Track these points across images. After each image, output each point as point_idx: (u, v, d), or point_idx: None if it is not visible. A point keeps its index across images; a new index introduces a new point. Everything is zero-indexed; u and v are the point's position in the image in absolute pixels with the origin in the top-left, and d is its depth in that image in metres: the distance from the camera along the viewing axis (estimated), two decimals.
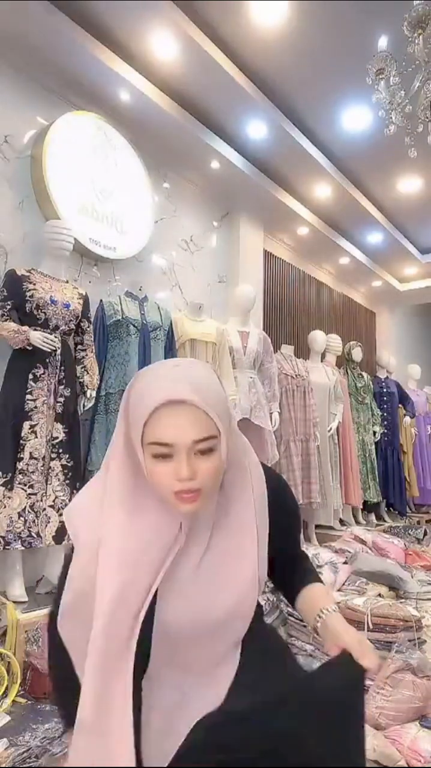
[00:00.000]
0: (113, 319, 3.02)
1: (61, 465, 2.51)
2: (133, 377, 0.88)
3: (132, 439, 0.86)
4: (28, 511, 2.36)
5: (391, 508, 5.55)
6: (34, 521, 2.37)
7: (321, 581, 1.08)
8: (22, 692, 1.97)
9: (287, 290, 5.24)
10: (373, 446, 5.29)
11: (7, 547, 2.30)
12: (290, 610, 2.55)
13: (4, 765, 1.58)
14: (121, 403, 0.89)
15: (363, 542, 3.75)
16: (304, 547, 1.20)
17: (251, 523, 0.94)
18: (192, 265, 4.05)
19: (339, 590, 2.80)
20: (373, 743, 1.79)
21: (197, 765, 0.78)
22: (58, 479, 2.49)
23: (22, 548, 2.34)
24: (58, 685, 1.01)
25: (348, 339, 5.74)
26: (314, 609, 0.98)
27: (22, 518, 2.33)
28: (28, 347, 2.48)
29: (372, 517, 5.21)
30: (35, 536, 2.36)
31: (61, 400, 2.57)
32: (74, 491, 2.58)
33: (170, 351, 3.24)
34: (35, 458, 2.41)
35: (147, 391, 0.83)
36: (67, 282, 2.77)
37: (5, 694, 1.91)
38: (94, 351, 2.84)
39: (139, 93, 3.16)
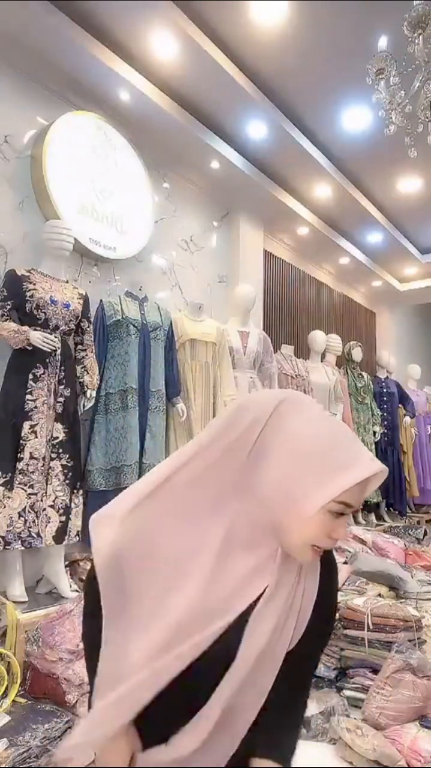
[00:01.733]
0: (113, 319, 3.02)
1: (61, 465, 2.51)
2: (280, 409, 0.82)
3: (315, 493, 0.79)
4: (28, 511, 2.36)
5: (391, 508, 5.55)
6: (34, 521, 2.36)
7: (287, 761, 0.85)
8: (22, 692, 1.97)
9: (287, 290, 5.24)
10: (373, 446, 5.29)
11: (7, 547, 2.30)
12: None
13: (4, 765, 1.58)
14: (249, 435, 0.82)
15: (363, 542, 3.75)
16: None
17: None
18: (192, 265, 4.05)
19: (339, 590, 2.80)
20: (373, 743, 1.79)
21: None
22: (58, 479, 2.49)
23: (22, 548, 2.34)
24: (91, 655, 0.88)
25: (348, 339, 5.74)
26: None
27: (22, 518, 2.33)
28: (28, 347, 2.48)
29: (372, 517, 5.21)
30: (35, 536, 2.36)
31: (61, 400, 2.57)
32: (74, 491, 2.58)
33: (170, 351, 3.24)
34: (35, 458, 2.41)
35: (353, 456, 0.80)
36: (67, 282, 2.77)
37: (5, 694, 1.91)
38: (94, 351, 2.84)
39: (139, 93, 3.16)
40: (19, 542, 2.31)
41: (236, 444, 0.82)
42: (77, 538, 2.56)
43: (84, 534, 2.63)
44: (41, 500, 2.41)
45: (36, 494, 2.39)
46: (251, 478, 0.82)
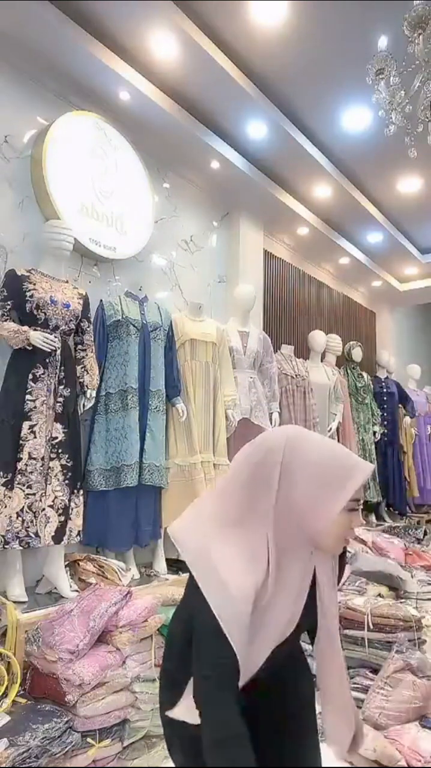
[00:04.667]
0: (113, 319, 3.02)
1: (61, 465, 2.51)
2: (289, 445, 1.12)
3: (327, 502, 1.08)
4: (26, 511, 2.36)
5: (391, 508, 5.55)
6: (32, 521, 2.36)
7: None
8: (22, 692, 1.97)
9: (287, 290, 5.23)
10: (373, 446, 5.29)
11: (5, 546, 2.29)
12: None
13: (4, 765, 1.58)
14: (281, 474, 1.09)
15: (363, 542, 3.75)
16: None
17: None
18: (192, 265, 4.05)
19: (339, 590, 2.80)
20: (373, 743, 1.79)
21: None
22: (58, 479, 2.49)
23: (20, 548, 2.34)
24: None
25: (348, 339, 5.74)
26: None
27: (20, 518, 2.33)
28: (28, 347, 2.48)
29: (372, 517, 5.21)
30: (33, 536, 2.36)
31: (61, 400, 2.57)
32: (74, 491, 2.58)
33: (170, 351, 3.23)
34: (34, 458, 2.41)
35: (352, 465, 1.10)
36: (67, 282, 2.77)
37: (5, 694, 1.91)
38: (94, 351, 2.84)
39: (139, 93, 3.16)
40: (18, 542, 2.31)
41: (264, 476, 1.10)
42: (78, 538, 2.56)
43: (84, 534, 2.63)
44: (40, 500, 2.41)
45: (34, 494, 2.39)
46: (287, 499, 1.08)
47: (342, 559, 1.29)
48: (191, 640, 1.06)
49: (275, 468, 1.09)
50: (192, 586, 1.07)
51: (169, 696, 1.16)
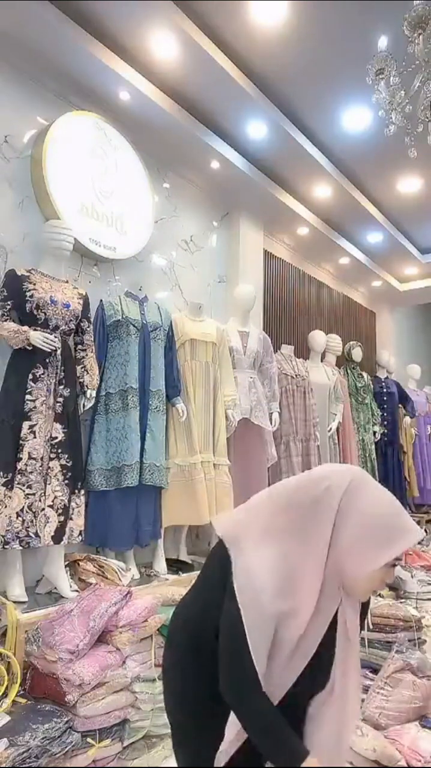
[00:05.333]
0: (113, 319, 3.02)
1: (61, 465, 2.51)
2: (350, 488, 1.15)
3: (379, 556, 1.11)
4: (26, 511, 2.35)
5: None
6: (32, 521, 2.36)
7: None
8: (22, 692, 1.97)
9: (287, 290, 5.23)
10: (373, 446, 5.29)
11: (5, 546, 2.29)
12: None
13: (4, 765, 1.58)
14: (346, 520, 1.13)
15: None
16: None
17: None
18: (192, 265, 4.05)
19: None
20: (373, 743, 1.79)
21: None
22: (58, 479, 2.49)
23: (20, 548, 2.34)
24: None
25: (348, 339, 5.74)
26: None
27: (20, 518, 2.33)
28: (28, 347, 2.48)
29: None
30: (33, 536, 2.36)
31: (61, 400, 2.57)
32: (76, 491, 2.58)
33: (170, 351, 3.23)
34: (33, 458, 2.41)
35: (404, 525, 1.13)
36: (67, 282, 2.77)
37: (5, 694, 1.91)
38: (94, 351, 2.84)
39: (139, 93, 3.16)
40: (17, 542, 2.31)
41: (320, 514, 1.14)
42: (80, 538, 2.56)
43: (85, 534, 2.63)
44: (39, 500, 2.41)
45: (34, 494, 2.39)
46: (338, 535, 1.13)
47: (365, 606, 1.36)
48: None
49: (332, 511, 1.14)
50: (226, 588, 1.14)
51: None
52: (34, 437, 2.43)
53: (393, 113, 2.52)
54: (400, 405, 5.75)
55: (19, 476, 2.36)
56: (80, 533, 2.55)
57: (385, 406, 5.58)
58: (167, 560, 3.17)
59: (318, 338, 4.85)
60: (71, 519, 2.52)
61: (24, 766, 1.62)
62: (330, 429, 4.62)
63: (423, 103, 2.48)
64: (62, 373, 2.59)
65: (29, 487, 2.38)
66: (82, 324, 2.78)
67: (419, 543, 4.39)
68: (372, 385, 5.55)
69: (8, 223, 2.79)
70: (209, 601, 1.21)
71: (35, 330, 2.51)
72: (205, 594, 1.27)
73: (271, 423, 3.86)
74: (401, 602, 2.69)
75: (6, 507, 2.32)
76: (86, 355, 2.79)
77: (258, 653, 1.07)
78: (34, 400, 2.46)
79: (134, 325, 3.04)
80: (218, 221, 4.37)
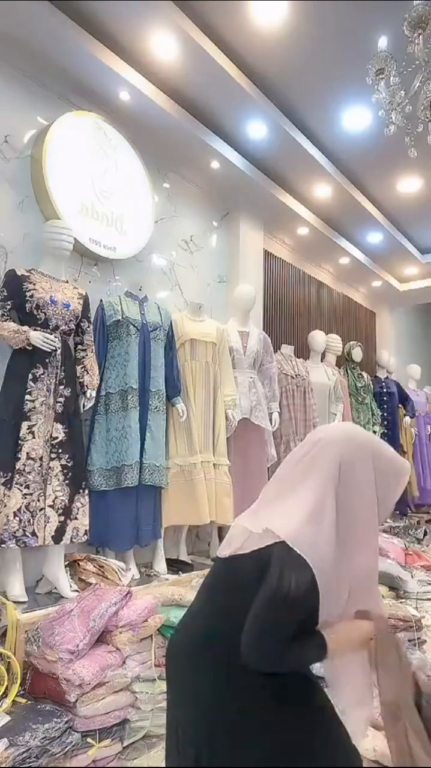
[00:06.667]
0: (113, 319, 3.02)
1: (61, 465, 2.51)
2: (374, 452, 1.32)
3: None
4: (23, 511, 2.35)
5: None
6: (29, 521, 2.36)
7: None
8: (22, 692, 1.97)
9: (287, 290, 5.23)
10: None
11: (2, 545, 2.29)
12: None
13: (4, 765, 1.58)
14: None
15: None
16: None
17: None
18: (192, 265, 4.05)
19: None
20: (373, 743, 1.79)
21: None
22: (58, 479, 2.49)
23: (16, 547, 2.34)
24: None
25: (348, 339, 5.74)
26: None
27: (17, 518, 2.33)
28: (28, 347, 2.48)
29: None
30: (30, 535, 2.35)
31: (61, 400, 2.57)
32: (80, 491, 2.58)
33: (170, 351, 3.23)
34: (32, 458, 2.41)
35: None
36: (67, 282, 2.77)
37: (5, 694, 1.91)
38: (94, 351, 2.84)
39: (139, 93, 3.16)
40: (14, 541, 2.31)
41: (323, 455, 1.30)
42: (85, 537, 2.56)
43: (90, 534, 2.63)
44: (38, 500, 2.41)
45: (32, 494, 2.39)
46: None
47: None
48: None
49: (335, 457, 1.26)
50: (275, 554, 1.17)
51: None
52: (33, 437, 2.43)
53: (393, 113, 2.52)
54: (400, 405, 5.75)
55: (17, 476, 2.36)
56: (86, 532, 2.56)
57: (385, 406, 5.58)
58: (167, 560, 3.17)
59: (318, 338, 4.85)
60: (76, 518, 2.52)
61: (24, 766, 1.62)
62: None
63: (423, 103, 2.48)
64: (62, 373, 2.59)
65: (27, 487, 2.38)
66: (82, 324, 2.78)
67: (419, 543, 4.39)
68: (371, 385, 5.55)
69: (8, 223, 2.79)
70: (239, 609, 1.14)
71: (35, 330, 2.51)
72: (235, 603, 1.18)
73: (271, 423, 3.86)
74: (401, 602, 2.69)
75: (5, 506, 2.32)
76: (86, 355, 2.79)
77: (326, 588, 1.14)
78: (33, 400, 2.46)
79: (134, 325, 3.04)
80: (218, 221, 4.37)
